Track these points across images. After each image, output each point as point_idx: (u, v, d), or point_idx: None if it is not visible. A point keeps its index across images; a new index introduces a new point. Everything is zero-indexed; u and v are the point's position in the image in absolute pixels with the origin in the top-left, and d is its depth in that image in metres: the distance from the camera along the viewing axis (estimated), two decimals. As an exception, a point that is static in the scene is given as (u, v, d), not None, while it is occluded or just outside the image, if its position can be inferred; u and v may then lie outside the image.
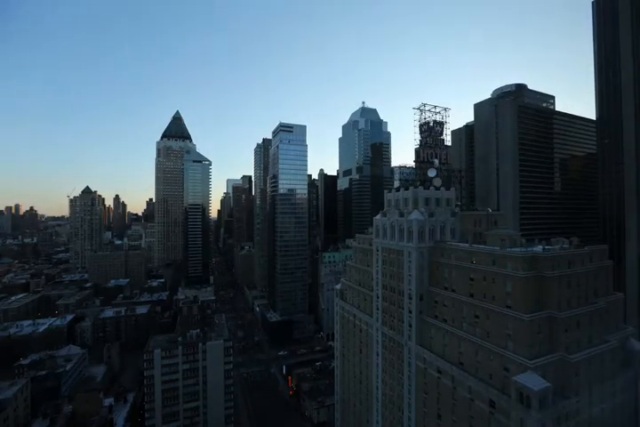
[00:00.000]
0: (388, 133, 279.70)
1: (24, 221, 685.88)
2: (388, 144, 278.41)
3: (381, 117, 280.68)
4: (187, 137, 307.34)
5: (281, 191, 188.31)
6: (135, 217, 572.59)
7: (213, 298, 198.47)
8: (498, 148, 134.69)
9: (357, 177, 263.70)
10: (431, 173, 71.93)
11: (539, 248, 49.06)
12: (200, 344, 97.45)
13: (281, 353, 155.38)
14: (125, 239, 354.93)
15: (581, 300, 47.28)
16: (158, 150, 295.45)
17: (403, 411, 64.14)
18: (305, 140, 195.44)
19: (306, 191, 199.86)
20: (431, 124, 76.67)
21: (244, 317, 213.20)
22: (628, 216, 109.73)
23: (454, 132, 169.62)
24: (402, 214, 65.70)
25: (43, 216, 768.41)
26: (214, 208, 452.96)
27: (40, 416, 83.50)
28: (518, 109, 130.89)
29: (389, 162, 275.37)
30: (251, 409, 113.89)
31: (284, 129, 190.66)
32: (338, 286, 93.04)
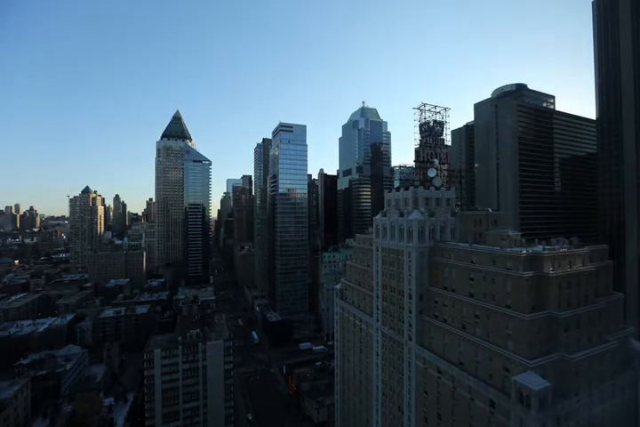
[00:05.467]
0: (388, 133, 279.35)
1: (24, 221, 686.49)
2: (388, 144, 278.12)
3: (381, 117, 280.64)
4: (187, 137, 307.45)
5: (281, 191, 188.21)
6: (135, 217, 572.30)
7: (213, 298, 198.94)
8: (498, 148, 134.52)
9: (357, 177, 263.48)
10: (431, 173, 71.88)
11: (539, 248, 49.09)
12: (200, 344, 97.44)
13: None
14: (125, 239, 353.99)
15: (581, 300, 47.29)
16: (158, 150, 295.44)
17: (403, 411, 64.15)
18: (305, 140, 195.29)
19: (306, 191, 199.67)
20: (431, 124, 76.67)
21: (243, 317, 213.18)
22: (627, 216, 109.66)
23: (454, 132, 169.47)
24: (402, 214, 65.70)
25: (43, 216, 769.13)
26: (214, 208, 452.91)
27: (40, 416, 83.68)
28: (518, 109, 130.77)
29: (389, 162, 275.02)
30: (251, 409, 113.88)
31: (284, 129, 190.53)
32: (338, 286, 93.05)
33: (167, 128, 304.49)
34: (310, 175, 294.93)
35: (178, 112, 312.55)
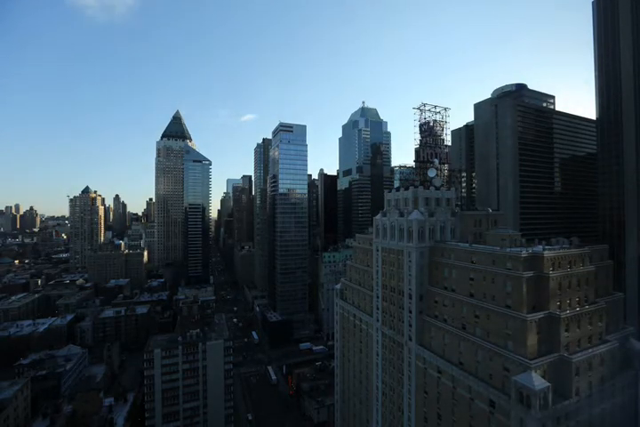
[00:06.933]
0: (388, 133, 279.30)
1: (24, 221, 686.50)
2: (388, 144, 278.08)
3: (381, 117, 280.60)
4: (187, 137, 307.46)
5: (281, 191, 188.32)
6: (135, 217, 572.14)
7: (213, 298, 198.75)
8: (498, 148, 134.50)
9: (357, 177, 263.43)
10: (431, 173, 71.91)
11: (539, 248, 49.09)
12: (200, 344, 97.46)
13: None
14: (125, 239, 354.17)
15: (581, 300, 47.33)
16: (158, 150, 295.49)
17: (403, 411, 64.16)
18: (305, 140, 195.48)
19: (306, 191, 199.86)
20: (431, 124, 76.68)
21: (243, 317, 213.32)
22: (627, 216, 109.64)
23: (454, 132, 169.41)
24: (402, 214, 65.73)
25: (43, 216, 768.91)
26: (214, 208, 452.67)
27: (40, 416, 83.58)
28: (518, 109, 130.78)
29: (389, 162, 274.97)
30: (251, 409, 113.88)
31: (284, 129, 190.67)
32: (338, 286, 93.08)
33: (167, 128, 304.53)
34: (310, 175, 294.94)
35: (178, 112, 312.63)
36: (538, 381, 39.73)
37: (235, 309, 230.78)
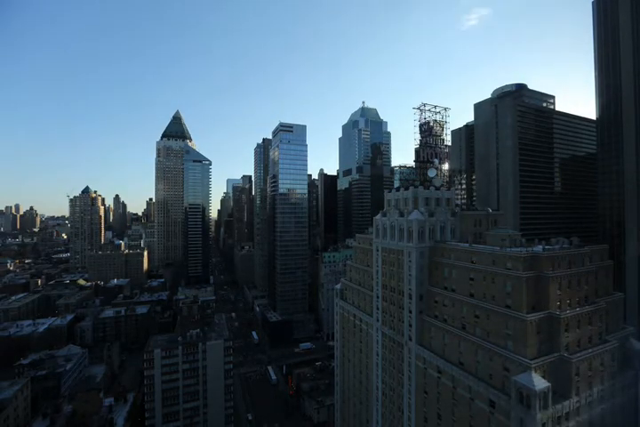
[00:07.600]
0: (388, 133, 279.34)
1: (24, 221, 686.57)
2: (388, 144, 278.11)
3: (381, 117, 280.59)
4: (187, 137, 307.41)
5: (281, 191, 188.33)
6: (135, 217, 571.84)
7: (213, 298, 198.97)
8: (498, 148, 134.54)
9: (357, 177, 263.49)
10: (431, 173, 71.92)
11: (539, 248, 49.12)
12: (200, 344, 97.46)
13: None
14: (125, 239, 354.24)
15: (581, 300, 47.34)
16: (158, 150, 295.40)
17: (403, 411, 64.15)
18: (305, 140, 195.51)
19: (306, 191, 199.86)
20: (431, 124, 76.66)
21: (243, 317, 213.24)
22: (627, 216, 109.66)
23: (454, 132, 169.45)
24: (402, 214, 65.74)
25: (43, 216, 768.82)
26: (214, 208, 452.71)
27: (40, 416, 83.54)
28: (518, 109, 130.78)
29: (389, 162, 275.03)
30: (251, 409, 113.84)
31: (284, 129, 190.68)
32: (338, 286, 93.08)
33: (167, 128, 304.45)
34: (310, 175, 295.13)
35: (178, 112, 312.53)
36: (538, 381, 39.73)
37: (235, 309, 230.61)
